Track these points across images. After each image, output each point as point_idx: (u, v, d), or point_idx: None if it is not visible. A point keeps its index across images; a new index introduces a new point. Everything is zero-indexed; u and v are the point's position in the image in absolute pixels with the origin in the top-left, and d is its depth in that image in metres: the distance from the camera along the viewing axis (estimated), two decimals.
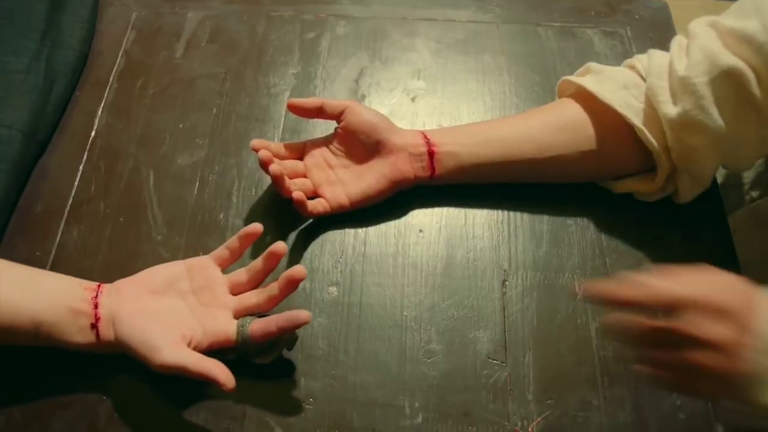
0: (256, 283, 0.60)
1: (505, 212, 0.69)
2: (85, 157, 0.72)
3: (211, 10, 0.87)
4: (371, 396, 0.58)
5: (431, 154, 0.65)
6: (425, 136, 0.65)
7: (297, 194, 0.61)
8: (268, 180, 0.70)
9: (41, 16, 0.75)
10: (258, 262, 0.59)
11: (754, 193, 0.84)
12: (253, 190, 0.70)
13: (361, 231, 0.67)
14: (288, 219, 0.67)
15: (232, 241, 0.60)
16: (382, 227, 0.67)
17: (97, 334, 0.55)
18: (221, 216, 0.68)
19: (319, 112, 0.66)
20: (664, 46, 0.72)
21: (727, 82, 0.58)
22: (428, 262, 0.65)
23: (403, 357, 0.60)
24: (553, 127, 0.65)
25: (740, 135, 0.60)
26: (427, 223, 0.67)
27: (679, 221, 0.68)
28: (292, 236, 0.67)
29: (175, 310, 0.57)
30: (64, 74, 0.75)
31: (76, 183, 0.70)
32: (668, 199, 0.67)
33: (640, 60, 0.66)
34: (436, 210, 0.69)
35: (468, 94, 0.79)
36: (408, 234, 0.67)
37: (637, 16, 0.88)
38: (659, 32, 0.87)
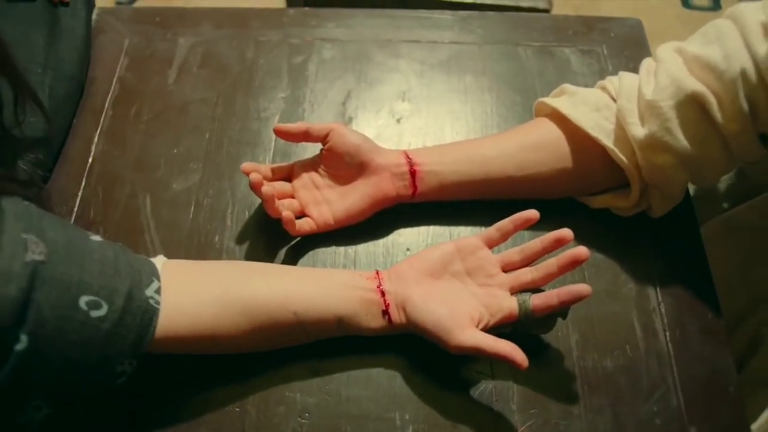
0: (529, 261, 0.64)
1: None
2: (83, 183, 0.75)
3: (201, 35, 0.89)
4: (364, 410, 0.61)
5: (413, 173, 0.68)
6: (407, 156, 0.68)
7: (286, 214, 0.64)
8: (260, 202, 0.73)
9: (40, 47, 0.78)
10: (537, 244, 0.63)
11: (725, 204, 0.88)
12: (247, 213, 0.72)
13: (350, 250, 0.70)
14: (280, 239, 0.70)
15: (505, 223, 0.64)
16: (371, 246, 0.70)
17: (389, 319, 0.60)
18: (216, 238, 0.71)
19: (306, 136, 0.69)
20: (639, 63, 0.76)
21: (691, 105, 0.61)
22: None
23: (394, 371, 0.63)
24: (532, 146, 0.68)
25: (705, 156, 0.63)
26: (414, 242, 0.71)
27: (654, 232, 0.71)
28: (283, 255, 0.70)
29: (458, 293, 0.61)
30: (65, 103, 0.78)
31: (75, 208, 0.73)
32: (643, 213, 0.71)
33: (611, 81, 0.69)
34: (423, 229, 0.72)
35: (452, 114, 0.82)
36: (396, 252, 0.70)
37: (612, 35, 0.92)
38: (634, 50, 0.90)
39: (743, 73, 0.59)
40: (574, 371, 0.62)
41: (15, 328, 0.44)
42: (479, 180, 0.68)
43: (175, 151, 0.77)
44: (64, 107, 0.78)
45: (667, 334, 0.65)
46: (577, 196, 0.72)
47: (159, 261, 0.57)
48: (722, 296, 0.76)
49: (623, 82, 0.67)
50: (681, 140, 0.62)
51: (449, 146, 0.72)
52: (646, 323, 0.65)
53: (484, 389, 0.61)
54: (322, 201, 0.69)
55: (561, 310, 0.60)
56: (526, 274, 0.63)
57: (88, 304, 0.48)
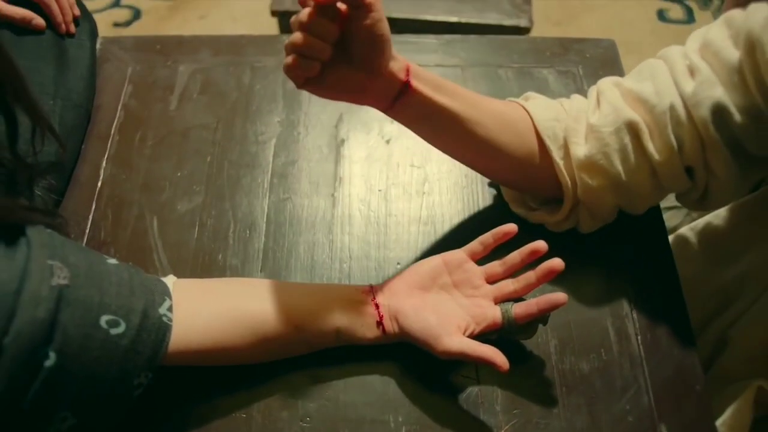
0: (510, 273, 0.68)
1: None
2: (93, 206, 0.79)
3: (200, 63, 0.94)
4: (360, 413, 0.65)
5: (406, 86, 0.63)
6: (407, 71, 0.63)
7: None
8: (259, 222, 0.78)
9: (50, 78, 0.82)
10: (516, 256, 0.68)
11: (695, 214, 0.93)
12: (247, 232, 0.77)
13: (345, 265, 0.75)
14: (279, 256, 0.75)
15: (487, 237, 0.68)
16: (364, 261, 0.75)
17: (383, 330, 0.65)
18: (220, 257, 0.75)
19: None
20: None
21: (628, 133, 0.67)
22: None
23: (387, 377, 0.67)
24: (503, 122, 0.69)
25: (635, 183, 0.68)
26: (404, 257, 0.75)
27: (626, 244, 0.76)
28: (282, 270, 0.74)
29: (446, 304, 0.66)
30: (74, 130, 0.82)
31: (87, 230, 0.77)
32: (618, 226, 0.75)
33: (565, 102, 0.74)
34: (412, 243, 0.76)
35: None
36: (387, 266, 0.75)
37: (588, 55, 0.97)
38: (608, 69, 0.95)
39: (672, 108, 0.64)
40: (553, 374, 0.67)
41: (44, 346, 0.49)
42: (456, 116, 0.66)
43: (179, 174, 0.82)
44: (74, 134, 0.83)
45: (639, 337, 0.70)
46: (514, 186, 0.77)
47: (170, 280, 0.62)
48: (692, 299, 0.81)
49: (574, 103, 0.72)
50: (616, 166, 0.67)
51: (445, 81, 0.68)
52: (620, 328, 0.70)
53: (471, 392, 0.66)
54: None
55: (541, 317, 0.65)
56: (508, 285, 0.68)
57: (108, 322, 0.53)
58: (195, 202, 0.80)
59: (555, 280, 0.67)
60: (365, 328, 0.65)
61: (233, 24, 1.77)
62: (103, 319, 0.52)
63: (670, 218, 0.94)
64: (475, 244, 0.69)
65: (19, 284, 0.48)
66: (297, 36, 0.56)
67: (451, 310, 0.66)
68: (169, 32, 1.77)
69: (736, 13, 0.66)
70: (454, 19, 1.43)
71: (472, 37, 0.99)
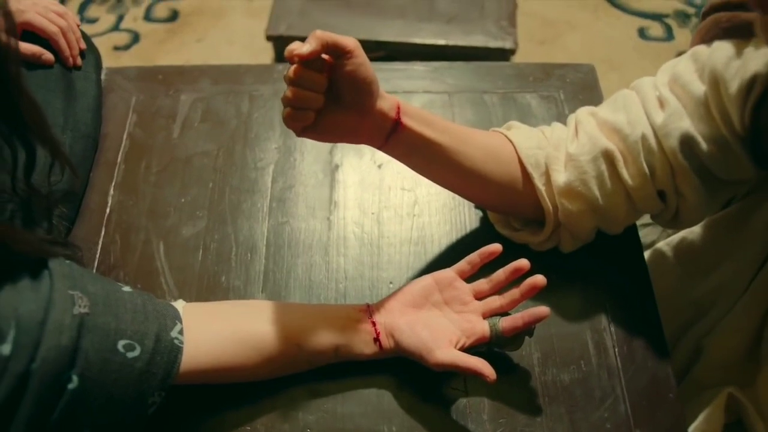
0: (496, 289, 0.73)
1: None
2: (103, 232, 0.83)
3: (201, 92, 0.98)
4: (357, 424, 0.69)
5: (397, 124, 0.67)
6: (398, 109, 0.67)
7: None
8: (260, 246, 0.82)
9: (59, 110, 0.86)
10: (501, 274, 0.72)
11: (670, 230, 0.97)
12: (249, 255, 0.81)
13: (341, 285, 0.79)
14: (279, 278, 0.79)
15: (473, 257, 0.73)
16: (358, 281, 0.80)
17: (380, 346, 0.69)
18: (223, 278, 0.79)
19: (329, 47, 0.60)
20: (593, 105, 0.86)
21: (604, 161, 0.71)
22: None
23: (382, 390, 0.71)
24: (488, 152, 0.74)
25: (611, 206, 0.73)
26: (396, 276, 0.80)
27: (605, 261, 0.80)
28: (282, 291, 0.79)
29: (438, 320, 0.70)
30: (83, 160, 0.86)
31: (97, 255, 0.81)
32: (596, 245, 0.80)
33: (546, 130, 0.79)
34: (404, 264, 0.81)
35: None
36: (380, 286, 0.79)
37: (568, 80, 1.02)
38: (588, 94, 1.00)
39: (644, 138, 0.69)
40: (537, 385, 0.72)
41: (68, 370, 0.53)
42: (443, 149, 0.70)
43: (183, 200, 0.86)
44: (84, 164, 0.87)
45: (616, 350, 0.74)
46: (499, 210, 0.81)
47: (179, 304, 0.66)
48: (669, 310, 0.86)
49: (554, 132, 0.77)
50: (593, 191, 0.72)
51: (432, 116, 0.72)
52: (598, 341, 0.75)
53: (460, 403, 0.70)
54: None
55: (527, 329, 0.70)
56: (495, 301, 0.72)
57: (124, 347, 0.57)
58: (199, 227, 0.84)
59: (538, 296, 0.71)
60: (363, 344, 0.69)
61: (229, 47, 1.81)
62: (120, 344, 0.57)
63: (647, 234, 0.99)
64: (463, 264, 0.74)
65: (45, 314, 0.52)
66: (288, 91, 0.61)
67: (443, 326, 0.70)
68: (167, 55, 1.81)
69: (701, 49, 0.71)
70: (442, 42, 1.47)
71: (459, 63, 1.04)
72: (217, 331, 0.65)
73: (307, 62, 0.59)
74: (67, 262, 0.59)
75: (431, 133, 0.69)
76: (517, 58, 1.68)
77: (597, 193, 0.72)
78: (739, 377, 0.82)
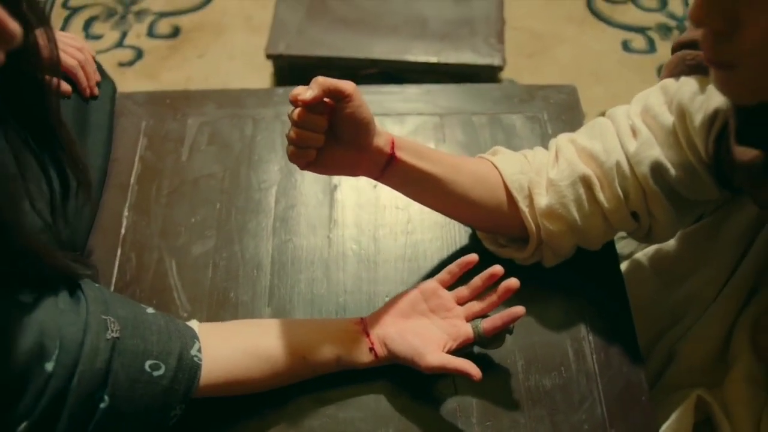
0: (475, 294, 0.79)
1: None
2: (119, 251, 0.89)
3: (207, 116, 1.04)
4: (357, 428, 0.75)
5: (392, 158, 0.74)
6: (392, 145, 0.73)
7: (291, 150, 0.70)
8: (265, 263, 0.88)
9: None
10: (478, 281, 0.78)
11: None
12: (255, 272, 0.87)
13: (341, 299, 0.85)
14: (284, 293, 0.85)
15: (452, 267, 0.79)
16: (357, 294, 0.85)
17: (375, 355, 0.75)
18: (232, 294, 0.85)
19: (330, 92, 0.66)
20: (574, 126, 0.92)
21: (582, 185, 0.77)
22: None
23: (379, 395, 0.77)
24: (476, 179, 0.80)
25: (589, 226, 0.79)
26: (392, 290, 0.85)
27: (584, 274, 0.85)
28: (287, 304, 0.84)
29: (426, 327, 0.76)
30: (95, 189, 0.92)
31: (114, 272, 0.87)
32: (576, 259, 0.85)
33: (528, 154, 0.84)
34: (398, 278, 0.87)
35: None
36: (377, 299, 0.85)
37: (552, 101, 1.07)
38: (570, 114, 1.06)
39: (618, 165, 0.75)
40: (521, 389, 0.78)
41: (100, 390, 0.59)
42: (436, 178, 0.76)
43: (192, 220, 0.92)
44: (95, 191, 0.92)
45: (594, 357, 0.80)
46: (486, 230, 0.87)
47: (195, 324, 0.72)
48: (645, 317, 0.92)
49: (536, 157, 0.82)
50: (572, 213, 0.78)
51: (425, 148, 0.78)
52: (577, 349, 0.81)
53: (450, 406, 0.76)
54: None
55: (507, 328, 0.76)
56: (476, 305, 0.78)
57: (151, 366, 0.63)
58: (208, 246, 0.90)
59: (529, 306, 0.76)
60: (361, 354, 0.75)
61: (230, 63, 1.86)
62: (147, 364, 0.62)
63: (625, 246, 1.05)
64: (444, 274, 0.80)
65: (83, 337, 0.58)
66: (293, 131, 0.67)
67: (431, 332, 0.76)
68: (170, 71, 1.87)
69: (670, 83, 0.77)
70: (433, 59, 1.53)
71: (450, 86, 1.10)
72: (231, 349, 0.71)
73: (310, 105, 0.65)
74: (97, 286, 0.64)
75: (423, 165, 0.75)
76: (506, 72, 1.74)
77: (576, 215, 0.78)
78: (709, 379, 0.88)
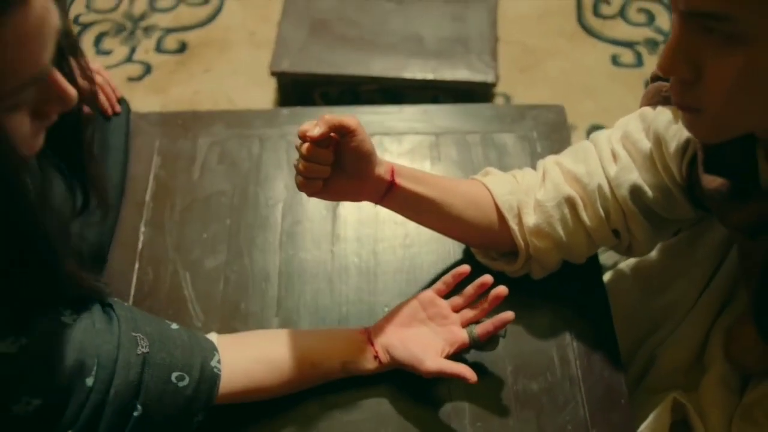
0: (469, 302, 0.84)
1: None
2: (137, 265, 0.94)
3: (216, 135, 1.09)
4: (359, 429, 0.81)
5: (392, 185, 0.79)
6: (392, 173, 0.79)
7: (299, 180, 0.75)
8: (273, 276, 0.93)
9: None
10: (470, 290, 0.84)
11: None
12: (263, 284, 0.93)
13: (344, 309, 0.90)
14: (291, 303, 0.91)
15: (447, 278, 0.84)
16: (358, 305, 0.91)
17: (380, 361, 0.80)
18: (242, 305, 0.91)
19: (335, 128, 0.71)
20: (562, 145, 0.97)
21: (566, 206, 0.83)
22: None
23: (381, 398, 0.83)
24: (469, 201, 0.85)
25: (574, 243, 0.84)
26: (391, 301, 0.90)
27: (568, 285, 0.91)
28: (293, 314, 0.90)
29: (425, 334, 0.82)
30: (113, 207, 0.97)
31: (133, 284, 0.92)
32: (562, 273, 0.91)
33: (518, 174, 0.90)
34: (396, 290, 0.92)
35: None
36: (377, 310, 0.90)
37: (541, 120, 1.13)
38: (558, 133, 1.11)
39: (599, 187, 0.81)
40: (510, 393, 0.83)
41: (134, 401, 0.65)
42: (431, 201, 0.82)
43: (205, 236, 0.98)
44: (113, 210, 0.97)
45: (578, 362, 0.86)
46: (479, 247, 0.92)
47: (214, 337, 0.77)
48: (627, 325, 0.98)
49: (525, 179, 0.88)
50: (558, 231, 0.83)
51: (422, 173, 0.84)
52: (562, 356, 0.86)
53: (445, 409, 0.82)
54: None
55: (500, 332, 0.82)
56: (469, 312, 0.84)
57: (176, 378, 0.68)
58: (219, 260, 0.95)
59: (517, 316, 0.81)
60: (366, 361, 0.81)
61: (235, 77, 1.92)
62: (173, 376, 0.68)
63: (609, 257, 1.10)
64: (440, 284, 0.86)
65: (117, 353, 0.63)
66: (301, 164, 0.73)
67: (429, 339, 0.81)
68: (178, 85, 1.92)
69: (648, 111, 0.83)
70: (430, 76, 1.59)
71: (446, 106, 1.15)
72: (247, 359, 0.76)
73: (318, 141, 0.71)
74: (126, 305, 0.70)
75: (420, 189, 0.81)
76: (501, 86, 1.80)
77: (561, 233, 0.84)
78: (686, 383, 0.93)
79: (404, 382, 0.82)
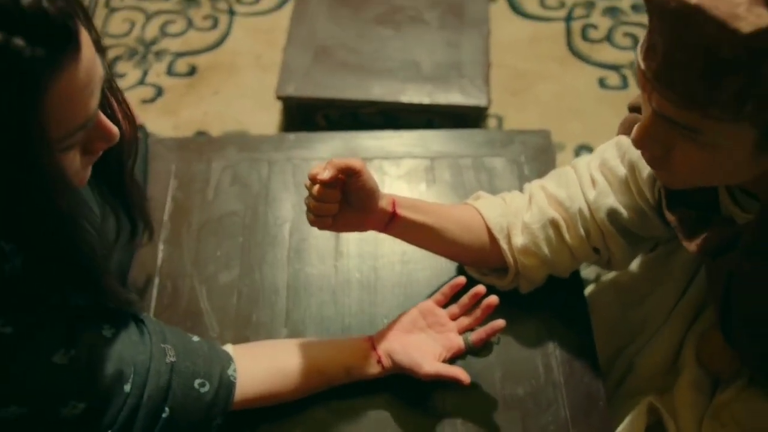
0: (464, 311, 0.90)
1: None
2: (157, 280, 1.01)
3: (228, 159, 1.16)
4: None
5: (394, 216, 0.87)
6: (394, 205, 0.86)
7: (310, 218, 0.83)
8: (282, 289, 1.00)
9: None
10: (465, 299, 0.90)
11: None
12: (273, 297, 0.99)
13: (346, 320, 0.97)
14: (296, 314, 0.97)
15: (445, 289, 0.91)
16: (360, 315, 0.97)
17: (382, 366, 0.86)
18: (254, 317, 0.97)
19: (344, 171, 0.77)
20: (548, 167, 1.04)
21: (551, 227, 0.90)
22: None
23: (380, 409, 0.89)
24: (463, 225, 0.93)
25: (558, 260, 0.91)
26: (390, 313, 0.97)
27: (552, 299, 0.97)
28: (300, 324, 0.96)
29: (424, 341, 0.88)
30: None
31: (154, 298, 0.99)
32: (546, 288, 0.97)
33: (507, 197, 0.97)
34: (396, 303, 0.99)
35: None
36: (377, 321, 0.96)
37: (529, 145, 1.19)
38: (544, 156, 1.18)
39: (580, 210, 0.88)
40: (498, 397, 0.89)
41: (163, 404, 0.72)
42: (429, 228, 0.90)
43: (218, 253, 1.04)
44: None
45: (560, 369, 0.92)
46: (472, 265, 0.99)
47: (230, 348, 0.84)
48: (608, 334, 1.04)
49: (514, 201, 0.94)
50: (543, 250, 0.90)
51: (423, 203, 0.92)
52: (546, 363, 0.93)
53: (439, 412, 0.88)
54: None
55: (492, 339, 0.89)
56: (465, 320, 0.91)
57: (198, 384, 0.75)
58: (233, 275, 1.02)
59: (505, 329, 0.88)
60: (369, 366, 0.86)
61: (242, 100, 1.99)
62: (196, 382, 0.75)
63: (591, 272, 1.17)
64: (438, 295, 0.92)
65: (149, 363, 0.70)
66: (311, 204, 0.80)
67: (428, 345, 0.88)
68: (188, 107, 1.99)
69: (623, 139, 0.90)
70: (426, 101, 1.66)
71: (441, 132, 1.22)
72: (259, 368, 0.83)
73: (327, 183, 0.77)
74: (153, 319, 0.77)
75: (419, 218, 0.88)
76: (493, 108, 1.87)
77: (546, 251, 0.91)
78: (661, 387, 1.00)
79: (401, 389, 0.88)
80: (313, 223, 0.82)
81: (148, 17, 2.24)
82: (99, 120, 0.58)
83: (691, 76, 0.59)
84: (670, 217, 0.79)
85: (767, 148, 0.61)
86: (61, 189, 0.56)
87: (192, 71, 2.09)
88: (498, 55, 2.01)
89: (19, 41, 0.47)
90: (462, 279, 0.92)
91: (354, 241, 1.06)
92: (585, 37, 2.14)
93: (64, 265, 0.62)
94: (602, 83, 2.01)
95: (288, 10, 2.11)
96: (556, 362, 0.93)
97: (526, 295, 0.97)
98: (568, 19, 2.18)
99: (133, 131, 0.69)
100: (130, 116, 0.68)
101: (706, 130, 0.61)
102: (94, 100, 0.56)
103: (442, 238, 0.90)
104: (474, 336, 0.88)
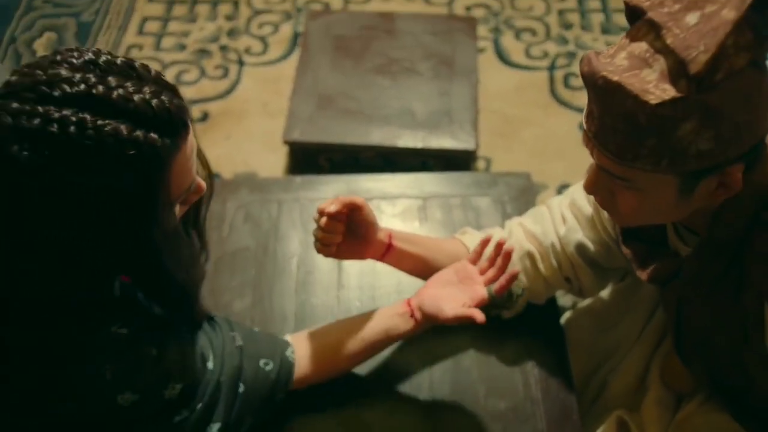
0: (492, 264, 0.94)
1: None
2: None
3: (241, 200, 1.26)
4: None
5: (389, 246, 0.97)
6: (390, 238, 0.96)
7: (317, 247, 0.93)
8: (290, 318, 1.09)
9: None
10: (492, 252, 0.94)
11: None
12: (282, 324, 1.07)
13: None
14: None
15: (477, 248, 0.96)
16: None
17: (415, 319, 0.92)
18: None
19: (348, 207, 0.88)
20: (528, 206, 1.13)
21: (527, 259, 0.99)
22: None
23: (371, 420, 0.97)
24: (451, 256, 1.01)
25: (535, 290, 1.00)
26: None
27: (531, 323, 1.06)
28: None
29: (453, 293, 0.92)
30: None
31: None
32: (526, 314, 1.06)
33: (490, 232, 1.05)
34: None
35: None
36: None
37: (511, 186, 1.29)
38: (525, 196, 1.27)
39: (552, 245, 0.97)
40: (482, 411, 0.97)
41: (238, 380, 0.84)
42: (423, 259, 1.00)
43: (233, 284, 1.13)
44: None
45: (538, 386, 1.00)
46: None
47: (287, 336, 0.95)
48: (583, 355, 1.12)
49: (495, 236, 1.04)
50: (521, 280, 0.99)
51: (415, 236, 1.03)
52: (525, 380, 1.01)
53: (428, 422, 0.96)
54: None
55: (508, 293, 0.96)
56: (490, 272, 0.94)
57: (263, 364, 0.87)
58: (246, 304, 1.11)
59: (489, 347, 0.97)
60: (405, 323, 0.93)
61: (251, 144, 2.09)
62: (261, 362, 0.87)
63: (569, 299, 1.25)
64: (472, 254, 0.97)
65: (224, 346, 0.83)
66: (320, 234, 0.89)
67: (454, 295, 0.92)
68: (203, 149, 2.09)
69: None
70: (419, 145, 1.76)
71: (432, 174, 1.32)
72: (313, 349, 0.93)
73: (333, 216, 0.88)
74: (219, 315, 0.89)
75: (412, 249, 0.98)
76: (482, 151, 1.96)
77: (525, 281, 1.00)
78: (631, 403, 1.08)
79: (400, 400, 0.97)
80: (319, 251, 0.92)
81: (165, 67, 2.35)
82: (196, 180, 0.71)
83: (618, 137, 0.69)
84: (625, 250, 0.88)
85: (689, 192, 0.72)
86: (176, 235, 0.70)
87: (205, 117, 2.19)
88: (487, 102, 2.12)
89: (153, 135, 0.61)
90: (492, 240, 0.97)
91: (354, 274, 1.15)
92: (567, 84, 2.25)
93: (170, 297, 0.77)
94: (581, 127, 2.10)
95: (293, 60, 2.22)
96: (534, 380, 1.01)
97: (507, 320, 1.05)
98: (552, 68, 2.30)
99: (211, 180, 0.80)
100: (208, 168, 0.80)
101: (636, 179, 0.71)
102: (195, 166, 0.69)
103: (431, 267, 0.99)
104: (496, 286, 0.92)
